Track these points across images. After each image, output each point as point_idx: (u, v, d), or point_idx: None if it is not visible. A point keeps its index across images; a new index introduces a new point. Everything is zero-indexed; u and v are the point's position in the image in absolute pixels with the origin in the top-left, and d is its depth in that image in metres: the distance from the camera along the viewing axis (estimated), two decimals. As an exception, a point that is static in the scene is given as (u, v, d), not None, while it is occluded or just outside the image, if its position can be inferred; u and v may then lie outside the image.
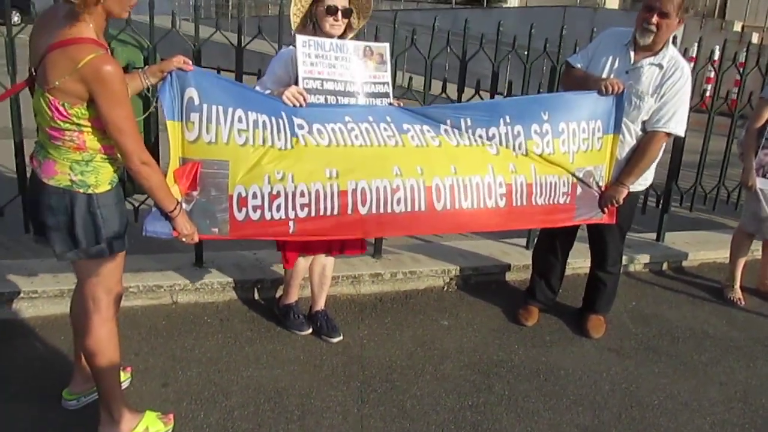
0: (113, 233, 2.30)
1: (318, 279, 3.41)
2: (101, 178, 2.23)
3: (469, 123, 3.07)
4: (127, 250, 2.41)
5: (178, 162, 2.53)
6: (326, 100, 2.85)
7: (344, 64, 2.86)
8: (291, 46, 3.04)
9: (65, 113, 2.10)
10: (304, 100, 2.77)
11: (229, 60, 3.60)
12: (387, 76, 2.98)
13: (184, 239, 2.52)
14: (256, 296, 3.76)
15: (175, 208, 2.41)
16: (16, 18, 18.82)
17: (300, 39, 2.78)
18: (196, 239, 2.57)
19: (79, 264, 2.35)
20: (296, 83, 2.81)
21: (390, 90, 3.01)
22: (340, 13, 2.90)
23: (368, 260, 4.08)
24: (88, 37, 2.06)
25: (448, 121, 3.05)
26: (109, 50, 2.21)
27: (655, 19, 3.12)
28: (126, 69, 3.39)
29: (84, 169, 2.20)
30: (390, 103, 3.01)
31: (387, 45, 2.99)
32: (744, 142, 4.15)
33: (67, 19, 2.07)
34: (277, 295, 3.70)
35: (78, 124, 2.13)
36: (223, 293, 3.70)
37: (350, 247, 3.30)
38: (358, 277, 3.93)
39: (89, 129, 2.15)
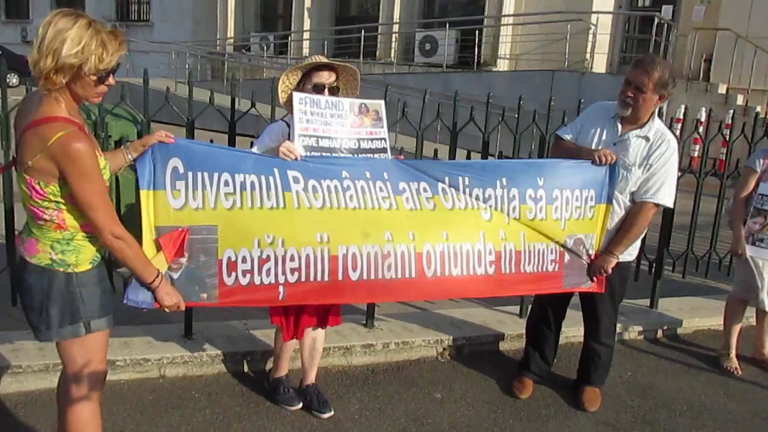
0: (93, 313, 2.28)
1: (308, 352, 3.35)
2: (82, 258, 2.24)
3: (467, 182, 3.08)
4: (110, 329, 2.38)
5: (153, 231, 2.51)
6: (321, 156, 2.84)
7: (340, 122, 2.88)
8: (281, 121, 3.08)
9: (42, 192, 2.13)
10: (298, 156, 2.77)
11: (225, 122, 3.63)
12: (384, 132, 3.00)
13: (167, 309, 2.48)
14: (246, 369, 3.69)
15: (155, 280, 2.38)
16: (14, 80, 19.11)
17: (297, 96, 2.81)
18: (183, 307, 2.54)
19: (61, 343, 2.31)
20: None
21: (387, 146, 3.01)
22: (327, 90, 2.95)
23: (360, 330, 4.03)
24: (59, 116, 2.11)
25: (447, 179, 3.05)
26: (85, 127, 2.24)
27: (631, 92, 3.20)
28: (120, 142, 3.43)
29: (65, 248, 2.20)
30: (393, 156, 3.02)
31: (382, 102, 3.02)
32: (732, 210, 4.18)
33: (41, 100, 2.13)
34: (268, 367, 3.63)
35: (56, 202, 2.15)
36: (212, 366, 3.63)
37: (332, 316, 3.26)
38: (350, 348, 3.87)
39: (67, 207, 2.17)
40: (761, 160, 4.08)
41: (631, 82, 3.21)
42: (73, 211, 2.18)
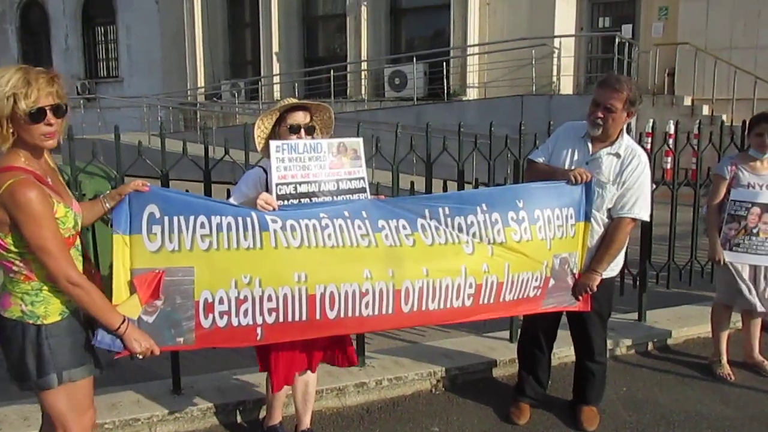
0: (66, 363, 2.28)
1: (301, 396, 3.30)
2: (50, 309, 2.25)
3: (447, 212, 3.06)
4: (95, 376, 2.39)
5: (128, 274, 2.51)
6: (300, 202, 2.85)
7: (318, 164, 2.88)
8: (257, 166, 3.09)
9: (2, 243, 2.17)
10: (276, 207, 2.78)
11: (200, 172, 3.62)
12: (362, 171, 3.00)
13: (140, 356, 2.45)
14: (239, 419, 3.61)
15: (120, 326, 2.36)
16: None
17: (273, 144, 2.82)
18: (157, 352, 2.50)
19: (42, 395, 2.31)
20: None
21: (366, 185, 3.01)
22: (303, 130, 2.97)
23: (352, 369, 3.93)
24: (13, 166, 2.15)
25: (427, 212, 3.03)
26: (49, 177, 2.27)
27: (601, 113, 3.25)
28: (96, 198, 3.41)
29: (34, 300, 2.23)
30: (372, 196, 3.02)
31: (360, 140, 3.02)
32: (706, 218, 4.25)
33: (3, 153, 2.18)
34: (261, 416, 3.57)
35: (19, 253, 2.19)
36: (204, 420, 3.55)
37: (340, 356, 3.22)
38: (343, 389, 3.82)
39: (32, 257, 2.20)
40: (729, 167, 4.16)
41: (600, 103, 3.26)
42: (38, 261, 2.20)
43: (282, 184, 2.81)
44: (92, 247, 3.54)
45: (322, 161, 2.90)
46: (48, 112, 2.16)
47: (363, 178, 3.00)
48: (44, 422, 2.54)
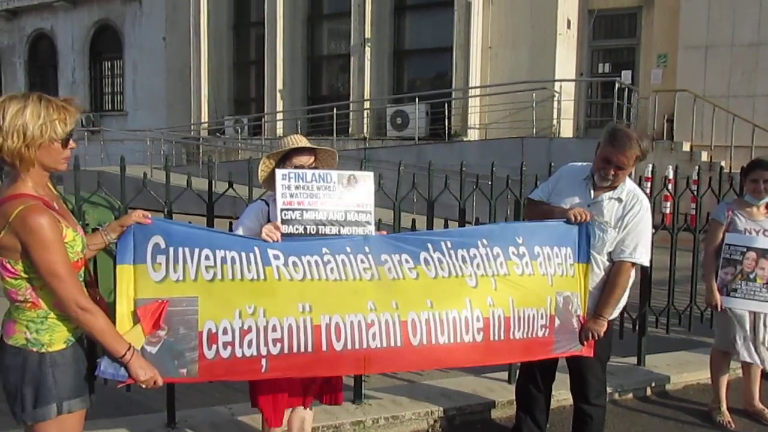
0: (66, 393, 2.25)
1: (297, 433, 3.26)
2: (56, 337, 2.24)
3: (449, 245, 3.08)
4: (87, 409, 2.35)
5: (131, 304, 2.51)
6: (306, 229, 2.86)
7: (327, 194, 2.90)
8: (260, 200, 3.11)
9: (12, 270, 2.17)
10: (281, 234, 2.79)
11: (202, 205, 3.66)
12: (370, 205, 3.01)
13: (143, 385, 2.42)
14: (233, 456, 3.57)
15: (125, 353, 2.34)
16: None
17: (279, 172, 2.84)
18: (160, 383, 2.47)
19: (35, 427, 2.26)
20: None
21: (372, 219, 3.02)
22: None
23: (348, 407, 3.94)
24: (23, 193, 2.17)
25: (429, 246, 3.05)
26: (54, 202, 2.29)
27: (612, 171, 3.27)
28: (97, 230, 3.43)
29: (39, 327, 2.22)
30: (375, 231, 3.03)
31: (371, 174, 3.04)
32: (704, 263, 4.26)
33: (8, 181, 2.21)
34: (255, 453, 3.52)
35: (28, 279, 2.19)
36: (197, 456, 3.51)
37: (328, 393, 3.19)
38: (339, 427, 3.78)
39: (40, 284, 2.20)
40: (726, 213, 4.20)
41: (611, 162, 3.26)
42: (47, 289, 2.20)
43: (287, 209, 2.83)
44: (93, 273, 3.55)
45: (331, 191, 2.92)
46: (71, 138, 2.25)
47: (370, 212, 3.02)
48: None
